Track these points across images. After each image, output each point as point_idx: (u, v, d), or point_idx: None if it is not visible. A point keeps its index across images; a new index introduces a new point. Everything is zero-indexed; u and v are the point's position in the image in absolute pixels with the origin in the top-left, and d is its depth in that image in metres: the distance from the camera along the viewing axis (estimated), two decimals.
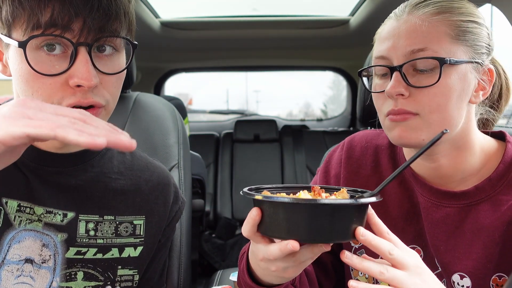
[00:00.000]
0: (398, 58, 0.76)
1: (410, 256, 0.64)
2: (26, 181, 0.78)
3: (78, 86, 0.69)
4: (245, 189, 0.67)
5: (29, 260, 0.78)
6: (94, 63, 0.70)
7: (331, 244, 0.65)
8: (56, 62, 0.69)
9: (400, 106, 0.76)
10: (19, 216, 0.78)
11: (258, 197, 0.62)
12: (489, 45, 0.79)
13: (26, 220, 0.78)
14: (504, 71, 0.87)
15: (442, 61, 0.73)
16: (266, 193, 0.67)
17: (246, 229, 0.65)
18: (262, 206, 0.64)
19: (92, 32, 0.69)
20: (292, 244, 0.60)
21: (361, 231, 0.62)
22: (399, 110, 0.76)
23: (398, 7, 0.82)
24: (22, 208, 0.78)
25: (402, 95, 0.75)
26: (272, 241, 0.66)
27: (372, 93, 0.83)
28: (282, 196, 0.65)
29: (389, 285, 0.62)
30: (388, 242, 0.64)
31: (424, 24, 0.75)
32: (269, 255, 0.64)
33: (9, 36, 0.70)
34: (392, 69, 0.77)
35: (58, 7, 0.66)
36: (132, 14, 0.78)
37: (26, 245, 0.78)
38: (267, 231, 0.64)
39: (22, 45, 0.67)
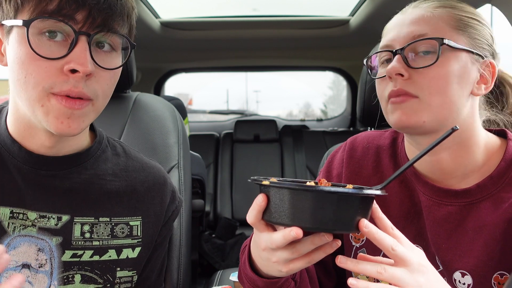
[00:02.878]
0: (400, 44, 0.79)
1: (414, 254, 0.64)
2: (17, 187, 0.78)
3: (73, 72, 0.70)
4: (253, 177, 0.68)
5: (26, 265, 0.78)
6: (92, 55, 0.71)
7: (333, 236, 0.65)
8: (56, 48, 0.70)
9: (400, 86, 0.78)
10: (12, 223, 0.78)
11: (266, 182, 0.63)
12: (491, 46, 0.81)
13: (20, 226, 0.78)
14: None
15: (440, 41, 0.75)
16: (273, 180, 0.68)
17: (251, 215, 0.66)
18: (269, 193, 0.64)
19: (95, 23, 0.70)
20: (296, 231, 0.60)
21: (364, 223, 0.62)
22: (398, 90, 0.78)
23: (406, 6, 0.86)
24: (15, 214, 0.78)
25: (402, 75, 0.77)
26: (275, 230, 0.66)
27: (375, 81, 0.85)
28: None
29: (389, 283, 0.61)
30: (392, 237, 0.63)
31: (426, 14, 0.79)
32: (272, 243, 0.64)
33: (13, 19, 0.71)
34: (394, 54, 0.79)
35: None
36: (133, 20, 0.79)
37: (22, 251, 0.78)
38: (271, 217, 0.64)
39: (26, 23, 0.68)
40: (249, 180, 0.68)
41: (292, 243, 0.64)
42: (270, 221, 0.65)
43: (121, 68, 0.79)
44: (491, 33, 0.82)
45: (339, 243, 0.67)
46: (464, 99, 0.78)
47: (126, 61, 0.79)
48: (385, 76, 0.80)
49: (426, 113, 0.77)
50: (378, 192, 0.63)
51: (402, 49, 0.78)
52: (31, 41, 0.68)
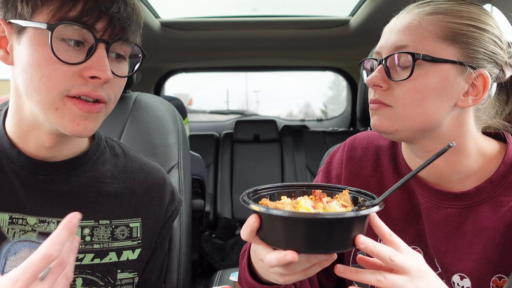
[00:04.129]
0: (385, 53, 0.80)
1: (412, 260, 0.64)
2: (16, 192, 0.78)
3: (92, 78, 0.71)
4: (244, 194, 0.66)
5: None
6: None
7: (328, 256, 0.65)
8: (74, 53, 0.70)
9: (377, 97, 0.80)
10: (12, 229, 0.78)
11: (256, 208, 0.62)
12: (493, 53, 0.77)
13: (20, 232, 0.78)
14: None
15: (414, 57, 0.75)
16: (265, 201, 0.67)
17: (245, 233, 0.65)
18: (261, 215, 0.63)
19: (115, 32, 0.72)
20: (291, 255, 0.60)
21: (361, 239, 0.62)
22: (375, 100, 0.81)
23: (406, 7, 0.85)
24: (14, 220, 0.78)
25: (380, 86, 0.79)
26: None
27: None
28: (282, 203, 0.64)
29: None
30: (389, 248, 0.63)
31: (414, 22, 0.77)
32: (266, 262, 0.64)
33: (30, 20, 0.70)
34: (379, 63, 0.80)
35: (91, 1, 0.69)
36: (141, 28, 0.80)
37: (23, 256, 0.78)
38: (265, 239, 0.64)
39: (51, 27, 0.68)
40: (240, 200, 0.66)
41: (289, 263, 0.64)
42: (264, 241, 0.64)
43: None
44: (497, 39, 0.77)
45: (335, 256, 0.67)
46: (445, 111, 0.77)
47: (138, 69, 0.81)
48: None
49: (398, 122, 0.78)
50: (375, 209, 0.62)
51: (384, 59, 0.79)
52: (53, 45, 0.68)
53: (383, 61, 0.79)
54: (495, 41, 0.77)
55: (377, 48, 0.83)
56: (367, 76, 0.87)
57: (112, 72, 0.73)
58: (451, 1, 0.79)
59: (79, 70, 0.70)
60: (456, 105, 0.77)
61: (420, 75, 0.75)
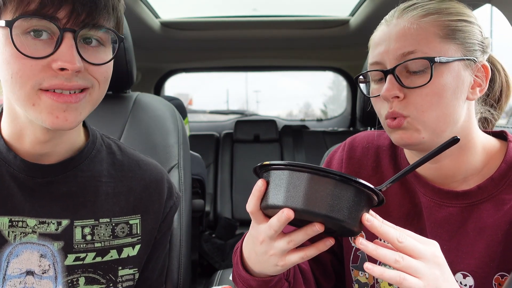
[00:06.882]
0: (390, 61, 0.78)
1: (427, 245, 0.63)
2: (14, 195, 0.78)
3: (62, 70, 0.69)
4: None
5: (30, 272, 0.78)
6: (80, 51, 0.70)
7: (324, 228, 0.64)
8: (41, 46, 0.69)
9: (394, 109, 0.78)
10: (12, 231, 0.78)
11: (266, 162, 0.64)
12: (483, 43, 0.80)
13: (21, 234, 0.78)
14: (503, 69, 0.88)
15: (432, 61, 0.74)
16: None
17: (251, 203, 0.66)
18: (268, 174, 0.65)
19: (80, 19, 0.69)
20: (287, 212, 0.61)
21: (366, 217, 0.62)
22: (392, 112, 0.78)
23: (388, 14, 0.84)
24: (14, 223, 0.78)
25: (397, 97, 0.77)
26: None
27: (371, 98, 0.84)
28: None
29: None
30: (397, 230, 0.63)
31: (413, 26, 0.76)
32: (270, 227, 0.64)
33: None
34: (386, 73, 0.78)
35: None
36: (121, 12, 0.77)
37: (25, 258, 0.78)
38: (267, 201, 0.65)
39: (9, 24, 0.67)
40: (252, 170, 0.68)
41: (288, 233, 0.66)
42: (266, 206, 0.65)
43: (112, 61, 0.77)
44: (480, 28, 0.80)
45: (332, 241, 0.67)
46: (460, 107, 0.78)
47: (115, 55, 0.77)
48: (379, 95, 0.79)
49: (423, 130, 0.77)
50: (375, 187, 0.62)
51: (393, 69, 0.76)
52: (15, 41, 0.67)
53: (393, 70, 0.77)
54: (480, 31, 0.80)
55: (374, 59, 0.81)
56: (367, 88, 0.86)
57: (87, 61, 0.71)
58: (434, 0, 0.80)
59: (48, 63, 0.69)
60: (467, 98, 0.79)
61: (436, 77, 0.75)
